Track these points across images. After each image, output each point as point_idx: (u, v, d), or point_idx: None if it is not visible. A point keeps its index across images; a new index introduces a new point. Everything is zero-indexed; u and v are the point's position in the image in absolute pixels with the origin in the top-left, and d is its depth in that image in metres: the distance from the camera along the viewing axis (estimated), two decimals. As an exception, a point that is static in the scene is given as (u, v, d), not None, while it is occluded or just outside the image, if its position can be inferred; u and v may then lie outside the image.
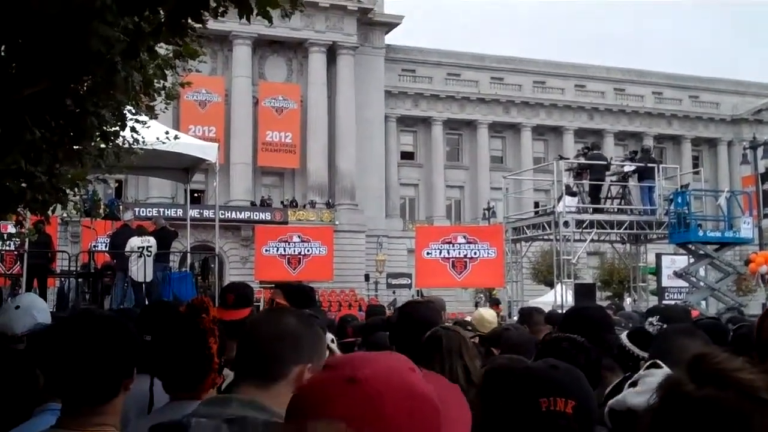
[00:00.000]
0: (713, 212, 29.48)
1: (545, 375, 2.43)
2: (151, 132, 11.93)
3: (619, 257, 36.87)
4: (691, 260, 26.49)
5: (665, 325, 4.60)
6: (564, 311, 5.92)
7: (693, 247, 26.09)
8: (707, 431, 1.41)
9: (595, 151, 28.50)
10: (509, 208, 34.00)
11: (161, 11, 5.50)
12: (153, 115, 11.31)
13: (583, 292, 27.46)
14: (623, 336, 4.61)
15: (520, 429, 2.31)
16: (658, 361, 2.95)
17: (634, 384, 2.88)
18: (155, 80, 8.27)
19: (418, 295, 38.46)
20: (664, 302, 26.91)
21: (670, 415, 1.48)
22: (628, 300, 35.17)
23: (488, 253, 26.35)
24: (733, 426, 1.39)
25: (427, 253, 26.35)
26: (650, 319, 5.04)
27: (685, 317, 5.90)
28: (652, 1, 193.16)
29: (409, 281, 46.79)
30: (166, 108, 11.96)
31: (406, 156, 69.85)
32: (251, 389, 2.47)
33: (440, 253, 26.10)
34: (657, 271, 30.35)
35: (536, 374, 2.44)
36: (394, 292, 47.31)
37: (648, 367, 2.96)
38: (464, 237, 26.74)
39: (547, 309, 25.73)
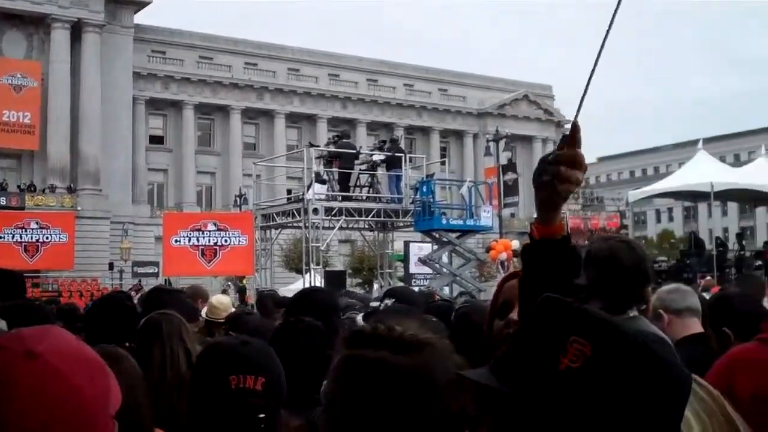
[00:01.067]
0: (457, 201, 30.41)
1: (235, 352, 2.40)
2: None
3: (369, 245, 37.48)
4: (435, 247, 27.15)
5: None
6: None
7: (437, 235, 26.69)
8: (386, 388, 1.53)
9: (345, 140, 28.71)
10: (261, 195, 33.63)
11: None
12: None
13: (333, 279, 27.66)
14: (358, 317, 4.77)
15: (212, 408, 2.30)
16: None
17: None
18: None
19: (166, 284, 37.30)
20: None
21: (351, 381, 1.60)
22: (376, 286, 35.80)
23: (239, 240, 25.78)
24: (412, 379, 1.53)
25: (176, 241, 25.39)
26: (386, 301, 5.14)
27: (419, 299, 5.94)
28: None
29: (156, 269, 45.32)
30: None
31: (155, 140, 67.68)
32: None
33: (189, 240, 25.23)
34: (405, 258, 31.03)
35: (225, 351, 2.42)
36: (139, 281, 45.66)
37: None
38: (214, 224, 26.02)
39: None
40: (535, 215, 2.15)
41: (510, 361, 1.30)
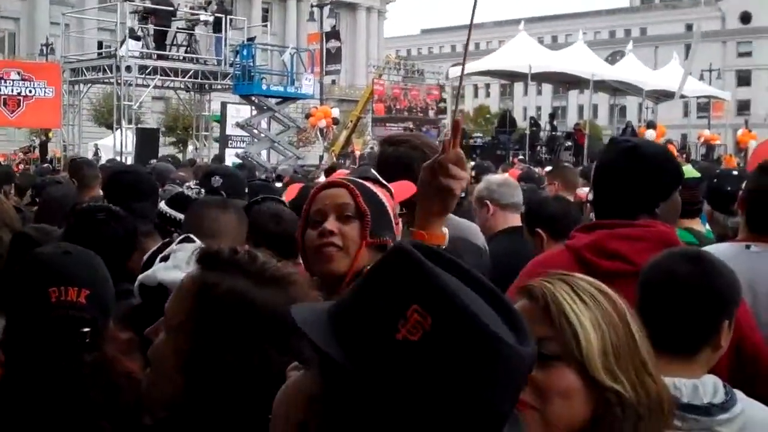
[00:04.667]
0: (278, 67, 29.84)
1: (55, 263, 2.27)
2: None
3: (184, 105, 36.46)
4: (254, 112, 26.76)
5: (202, 191, 4.53)
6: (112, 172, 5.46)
7: (256, 100, 26.28)
8: (240, 321, 1.61)
9: (162, -5, 27.40)
10: (70, 47, 31.99)
11: None
12: None
13: (146, 138, 26.91)
14: (162, 204, 4.46)
15: (31, 323, 2.19)
16: (191, 236, 2.88)
17: (165, 258, 2.79)
18: None
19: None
20: (227, 150, 27.14)
21: (204, 309, 1.65)
22: (190, 147, 35.18)
23: (45, 92, 24.56)
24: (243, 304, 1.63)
25: (-25, 89, 23.88)
26: (188, 183, 4.96)
27: (240, 184, 5.51)
28: None
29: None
30: None
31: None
32: None
33: (-10, 88, 23.79)
34: (221, 120, 30.44)
35: (45, 262, 2.29)
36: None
37: (181, 242, 2.87)
38: (18, 73, 24.61)
39: (109, 154, 24.70)
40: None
41: (349, 320, 1.16)
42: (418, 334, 1.10)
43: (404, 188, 2.98)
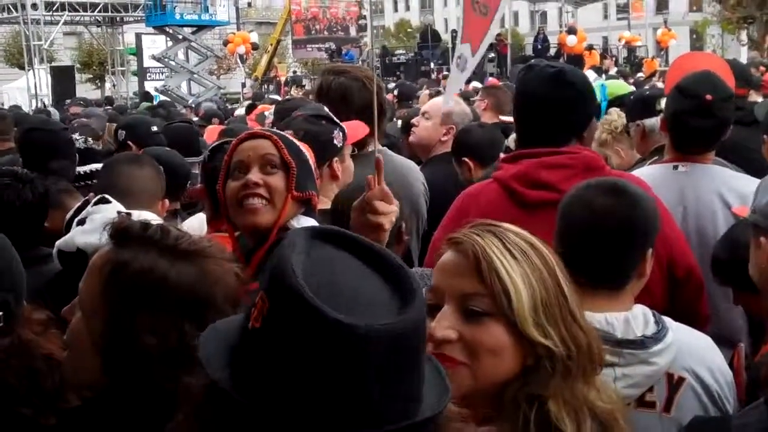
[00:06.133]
0: (191, -7, 29.12)
1: None
2: None
3: (97, 40, 35.53)
4: (170, 43, 26.19)
5: (89, 140, 4.73)
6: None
7: (171, 31, 25.73)
8: (154, 299, 1.57)
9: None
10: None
11: None
12: None
13: (61, 76, 26.30)
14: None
15: None
16: (107, 196, 2.84)
17: (82, 222, 2.75)
18: None
19: None
20: (146, 83, 26.62)
21: (116, 287, 1.59)
22: (108, 84, 34.48)
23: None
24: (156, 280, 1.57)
25: None
26: (74, 135, 4.93)
27: (145, 131, 5.22)
28: None
29: None
30: None
31: None
32: None
33: None
34: (137, 53, 29.80)
35: None
36: None
37: (97, 203, 2.82)
38: None
39: (23, 96, 24.04)
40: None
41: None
42: (260, 320, 1.07)
43: (356, 129, 3.01)
